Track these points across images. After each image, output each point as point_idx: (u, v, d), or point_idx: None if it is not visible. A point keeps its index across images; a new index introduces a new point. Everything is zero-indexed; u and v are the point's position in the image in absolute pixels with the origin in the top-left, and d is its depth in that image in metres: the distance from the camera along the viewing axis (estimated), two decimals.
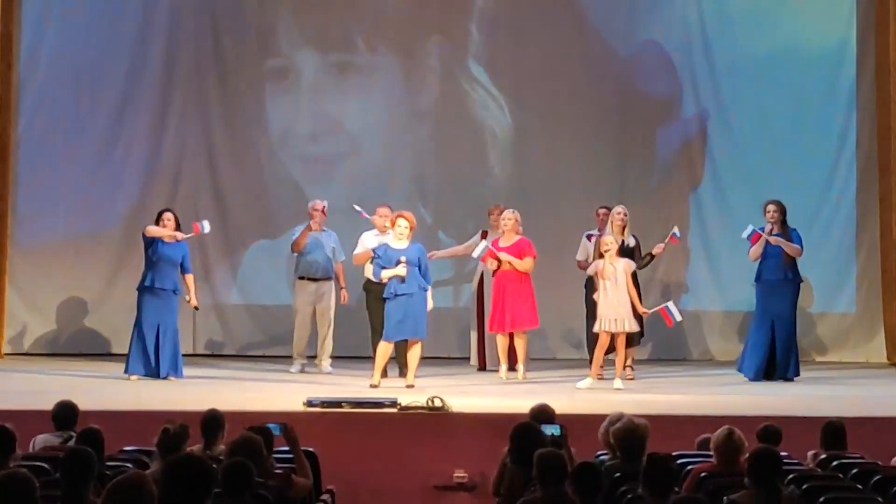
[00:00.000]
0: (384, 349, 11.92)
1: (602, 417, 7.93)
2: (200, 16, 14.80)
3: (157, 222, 12.35)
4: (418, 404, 10.12)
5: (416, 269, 11.78)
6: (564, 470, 6.39)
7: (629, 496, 6.60)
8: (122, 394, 11.35)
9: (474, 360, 13.67)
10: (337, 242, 13.20)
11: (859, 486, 7.03)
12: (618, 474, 7.02)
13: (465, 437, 9.83)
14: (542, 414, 7.96)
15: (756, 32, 14.80)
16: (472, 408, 10.35)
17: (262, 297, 14.73)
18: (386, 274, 11.78)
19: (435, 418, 10.03)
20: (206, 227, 12.56)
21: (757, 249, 12.71)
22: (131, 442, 8.05)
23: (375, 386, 11.72)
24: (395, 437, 9.92)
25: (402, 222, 11.89)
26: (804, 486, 6.78)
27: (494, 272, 12.59)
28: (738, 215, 14.07)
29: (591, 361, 12.24)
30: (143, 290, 12.29)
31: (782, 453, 7.04)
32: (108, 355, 14.03)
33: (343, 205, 13.69)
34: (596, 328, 12.06)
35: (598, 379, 12.22)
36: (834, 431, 8.13)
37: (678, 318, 12.12)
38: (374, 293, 12.41)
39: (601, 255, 12.11)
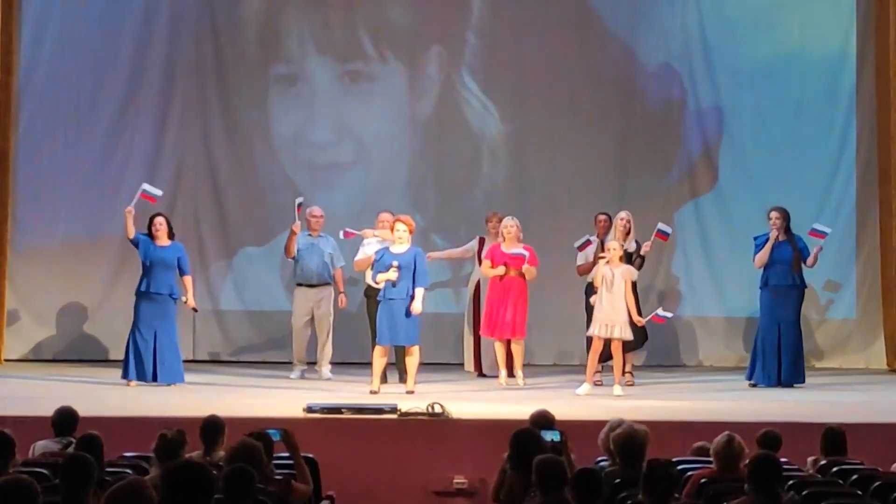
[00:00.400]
0: (377, 353, 11.93)
1: (602, 423, 7.92)
2: (201, 19, 14.80)
3: (148, 227, 12.35)
4: (418, 410, 10.11)
5: (411, 274, 11.78)
6: (564, 476, 6.39)
7: (629, 502, 6.59)
8: (122, 400, 11.33)
9: (468, 365, 13.64)
10: (335, 248, 13.19)
11: (859, 492, 7.03)
12: (617, 480, 7.01)
13: (465, 444, 9.83)
14: (542, 420, 7.96)
15: (756, 37, 14.81)
16: (472, 414, 10.34)
17: (261, 302, 14.72)
18: (379, 278, 11.83)
19: (435, 424, 10.02)
20: (151, 189, 12.39)
21: (763, 256, 12.71)
22: (131, 448, 8.05)
23: (375, 392, 11.72)
24: (396, 443, 9.92)
25: (399, 226, 11.92)
26: (804, 492, 6.78)
27: (501, 278, 12.58)
28: (738, 220, 14.08)
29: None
30: (139, 294, 12.29)
31: (782, 459, 7.04)
32: (107, 361, 14.02)
33: (343, 211, 13.68)
34: (589, 332, 12.09)
35: (597, 385, 12.23)
36: (834, 437, 8.13)
37: (668, 315, 12.31)
38: (375, 299, 12.41)
39: (598, 261, 12.15)
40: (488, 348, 13.15)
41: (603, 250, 12.34)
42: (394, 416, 10.11)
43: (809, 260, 12.76)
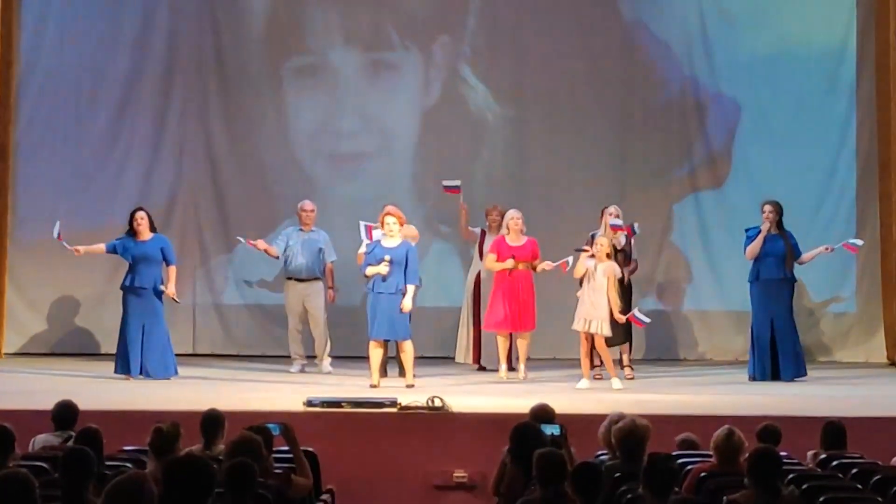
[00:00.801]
0: (371, 347, 11.92)
1: (602, 417, 7.93)
2: (201, 15, 14.78)
3: (130, 222, 12.42)
4: (418, 404, 10.12)
5: (402, 269, 11.78)
6: (564, 470, 6.39)
7: (629, 496, 6.60)
8: (122, 394, 11.34)
9: (460, 357, 13.55)
10: (327, 243, 13.18)
11: (859, 486, 7.04)
12: (618, 474, 7.02)
13: (465, 437, 9.84)
14: (542, 414, 7.97)
15: (756, 31, 14.78)
16: (472, 408, 10.35)
17: (261, 296, 14.70)
18: (369, 271, 11.84)
19: (435, 418, 10.03)
20: (56, 230, 12.52)
21: (755, 247, 12.72)
22: (130, 442, 8.04)
23: (375, 386, 11.72)
24: (396, 436, 9.93)
25: (389, 219, 11.93)
26: (804, 486, 6.78)
27: (510, 271, 12.55)
28: (738, 214, 14.05)
29: None
30: (124, 289, 12.41)
31: (782, 453, 7.04)
32: (107, 355, 14.00)
33: (347, 202, 13.63)
34: (573, 326, 12.10)
35: (597, 379, 12.24)
36: (834, 431, 8.14)
37: (646, 320, 12.18)
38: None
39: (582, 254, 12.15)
40: (488, 342, 13.12)
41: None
42: (394, 410, 10.11)
43: (805, 256, 12.77)
